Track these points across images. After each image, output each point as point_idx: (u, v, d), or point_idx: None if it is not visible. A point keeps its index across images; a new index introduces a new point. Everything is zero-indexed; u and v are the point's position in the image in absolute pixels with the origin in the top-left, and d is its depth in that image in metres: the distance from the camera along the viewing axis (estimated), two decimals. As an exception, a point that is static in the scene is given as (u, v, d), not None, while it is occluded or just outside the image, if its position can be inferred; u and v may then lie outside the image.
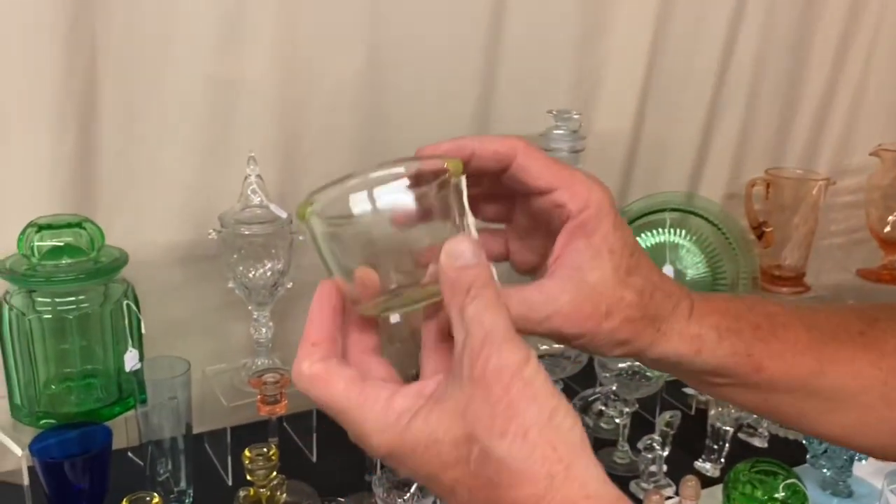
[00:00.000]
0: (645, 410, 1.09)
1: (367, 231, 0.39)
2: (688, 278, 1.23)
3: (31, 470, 0.84)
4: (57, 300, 0.86)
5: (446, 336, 0.40)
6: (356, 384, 0.39)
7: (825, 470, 0.99)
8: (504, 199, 0.49)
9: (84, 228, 0.87)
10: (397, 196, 0.39)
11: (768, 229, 1.35)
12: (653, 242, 1.23)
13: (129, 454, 0.99)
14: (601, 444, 1.05)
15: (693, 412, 1.14)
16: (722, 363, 0.47)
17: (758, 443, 1.09)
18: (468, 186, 0.42)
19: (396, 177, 0.39)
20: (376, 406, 0.38)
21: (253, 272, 0.97)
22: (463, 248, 0.38)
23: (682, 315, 0.46)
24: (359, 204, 0.38)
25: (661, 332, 0.45)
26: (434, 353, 0.42)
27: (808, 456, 0.99)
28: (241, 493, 0.88)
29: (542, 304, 0.43)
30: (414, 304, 0.41)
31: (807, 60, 1.47)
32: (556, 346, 1.11)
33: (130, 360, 0.90)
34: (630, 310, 0.44)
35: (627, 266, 0.44)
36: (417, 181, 0.39)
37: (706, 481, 0.99)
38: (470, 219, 0.41)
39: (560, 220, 0.44)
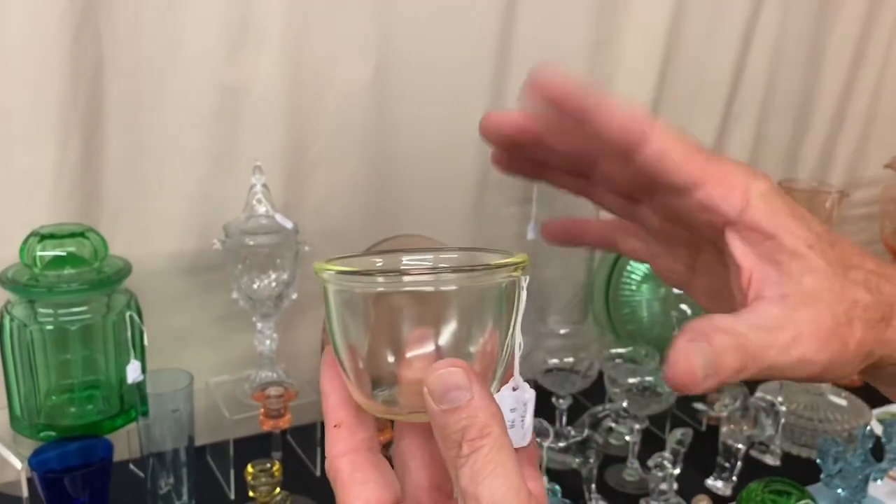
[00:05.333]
0: (655, 427, 1.08)
1: (388, 308, 0.33)
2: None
3: (30, 482, 0.83)
4: (59, 311, 0.85)
5: None
6: None
7: (839, 489, 0.97)
8: (634, 191, 0.40)
9: (87, 238, 0.86)
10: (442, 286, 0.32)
11: (781, 242, 1.33)
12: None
13: (131, 466, 0.98)
14: (611, 462, 1.04)
15: (704, 429, 1.12)
16: None
17: (770, 461, 1.07)
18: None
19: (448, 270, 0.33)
20: None
21: (257, 283, 0.96)
22: (449, 381, 0.30)
23: None
24: (394, 278, 0.33)
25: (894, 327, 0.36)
26: None
27: (821, 475, 0.97)
28: (244, 509, 0.87)
29: (777, 326, 0.33)
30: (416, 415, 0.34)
31: (820, 71, 1.45)
32: (566, 360, 1.09)
33: (133, 371, 0.88)
34: (868, 312, 0.34)
35: (836, 259, 0.34)
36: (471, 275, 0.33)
37: (718, 500, 0.97)
38: (518, 327, 0.34)
39: (713, 225, 0.35)
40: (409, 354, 0.33)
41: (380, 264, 0.38)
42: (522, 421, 0.35)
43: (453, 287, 0.32)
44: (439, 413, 0.30)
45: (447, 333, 0.33)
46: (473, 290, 0.33)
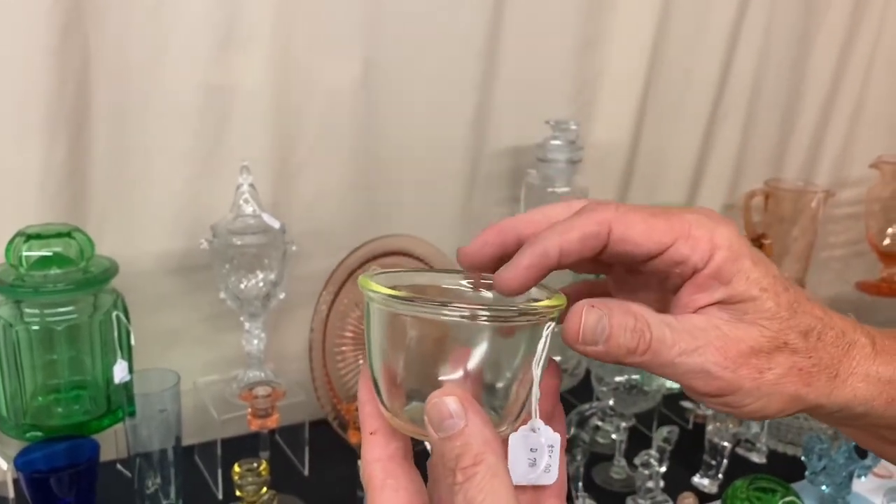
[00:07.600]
0: (642, 425, 1.08)
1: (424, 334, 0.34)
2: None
3: (16, 483, 0.82)
4: (45, 311, 0.85)
5: None
6: None
7: (824, 487, 0.97)
8: (602, 265, 0.40)
9: (73, 238, 0.86)
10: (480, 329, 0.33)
11: (767, 241, 1.34)
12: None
13: (118, 466, 0.97)
14: (597, 460, 1.04)
15: (691, 427, 1.13)
16: None
17: (756, 458, 1.08)
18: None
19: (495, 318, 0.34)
20: None
21: (245, 283, 0.96)
22: (443, 410, 0.31)
23: (863, 355, 0.38)
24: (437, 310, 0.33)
25: (840, 378, 0.37)
26: None
27: (806, 472, 0.98)
28: (231, 509, 0.86)
29: (686, 331, 0.35)
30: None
31: (806, 72, 1.46)
32: (553, 358, 1.10)
33: (120, 371, 0.88)
34: (796, 357, 0.36)
35: (788, 302, 0.36)
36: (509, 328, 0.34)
37: (704, 497, 0.98)
38: (539, 367, 0.34)
39: (682, 276, 0.36)
40: (440, 378, 0.34)
41: (424, 282, 0.39)
42: (546, 460, 0.35)
43: (489, 323, 0.33)
44: (438, 441, 0.31)
45: (478, 363, 0.34)
46: (509, 326, 0.34)
